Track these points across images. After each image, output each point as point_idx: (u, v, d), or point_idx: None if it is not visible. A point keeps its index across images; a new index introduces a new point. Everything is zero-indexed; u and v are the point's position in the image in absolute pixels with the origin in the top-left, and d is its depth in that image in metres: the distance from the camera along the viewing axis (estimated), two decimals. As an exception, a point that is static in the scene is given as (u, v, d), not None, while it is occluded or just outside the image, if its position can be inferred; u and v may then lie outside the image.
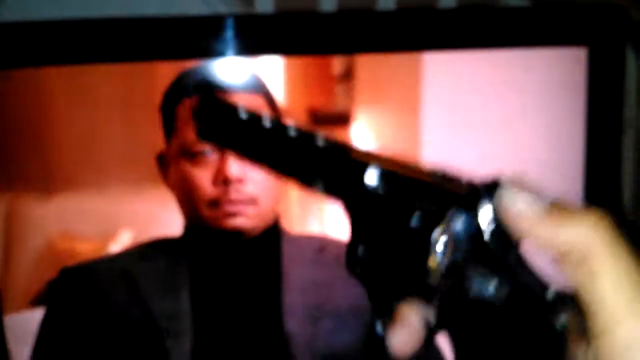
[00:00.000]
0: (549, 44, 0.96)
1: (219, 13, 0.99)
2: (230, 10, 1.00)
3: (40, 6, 0.94)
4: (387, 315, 0.33)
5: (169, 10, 0.96)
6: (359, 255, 0.35)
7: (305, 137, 0.39)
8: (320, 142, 0.39)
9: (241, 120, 0.42)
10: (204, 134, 0.45)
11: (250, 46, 0.90)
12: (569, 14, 0.95)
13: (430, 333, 0.33)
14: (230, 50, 0.89)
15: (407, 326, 0.34)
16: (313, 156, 0.38)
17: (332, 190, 0.38)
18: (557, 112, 0.97)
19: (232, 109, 0.43)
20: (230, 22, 0.88)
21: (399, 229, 0.34)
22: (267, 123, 0.41)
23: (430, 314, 0.33)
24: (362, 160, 0.37)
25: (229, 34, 0.88)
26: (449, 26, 0.93)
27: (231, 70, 0.91)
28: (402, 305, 0.34)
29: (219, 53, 0.89)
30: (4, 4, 0.94)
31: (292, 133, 0.40)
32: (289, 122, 0.41)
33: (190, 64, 0.91)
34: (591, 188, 0.98)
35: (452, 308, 0.32)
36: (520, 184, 0.32)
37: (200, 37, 0.88)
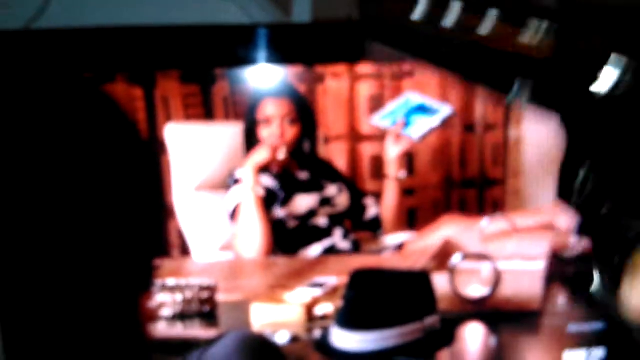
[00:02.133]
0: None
1: (257, 22, 1.00)
2: (268, 19, 1.01)
3: (80, 15, 0.96)
4: (618, 265, 0.24)
5: (209, 19, 0.97)
6: (578, 182, 0.26)
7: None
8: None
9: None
10: None
11: (286, 54, 0.90)
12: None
13: None
14: (265, 59, 0.90)
15: None
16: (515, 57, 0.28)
17: (543, 95, 0.28)
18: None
19: None
20: (266, 31, 0.89)
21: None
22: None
23: None
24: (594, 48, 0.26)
25: (265, 42, 0.89)
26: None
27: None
28: None
29: (255, 61, 0.90)
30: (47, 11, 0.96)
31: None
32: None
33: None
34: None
35: None
36: None
37: (239, 45, 0.89)
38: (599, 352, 0.87)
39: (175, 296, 1.02)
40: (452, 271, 1.03)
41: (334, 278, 1.13)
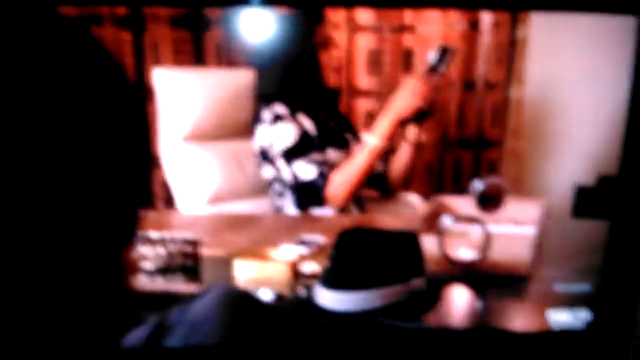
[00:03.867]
0: (597, 11, 0.90)
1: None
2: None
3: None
4: None
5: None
6: None
7: None
8: None
9: None
10: None
11: None
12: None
13: None
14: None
15: None
16: None
17: None
18: (603, 80, 0.91)
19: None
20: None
21: None
22: None
23: None
24: None
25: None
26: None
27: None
28: None
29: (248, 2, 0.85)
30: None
31: None
32: None
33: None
34: (632, 160, 0.93)
35: None
36: None
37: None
38: (584, 314, 0.87)
39: (158, 249, 1.00)
40: (442, 233, 1.01)
41: (322, 237, 1.11)
